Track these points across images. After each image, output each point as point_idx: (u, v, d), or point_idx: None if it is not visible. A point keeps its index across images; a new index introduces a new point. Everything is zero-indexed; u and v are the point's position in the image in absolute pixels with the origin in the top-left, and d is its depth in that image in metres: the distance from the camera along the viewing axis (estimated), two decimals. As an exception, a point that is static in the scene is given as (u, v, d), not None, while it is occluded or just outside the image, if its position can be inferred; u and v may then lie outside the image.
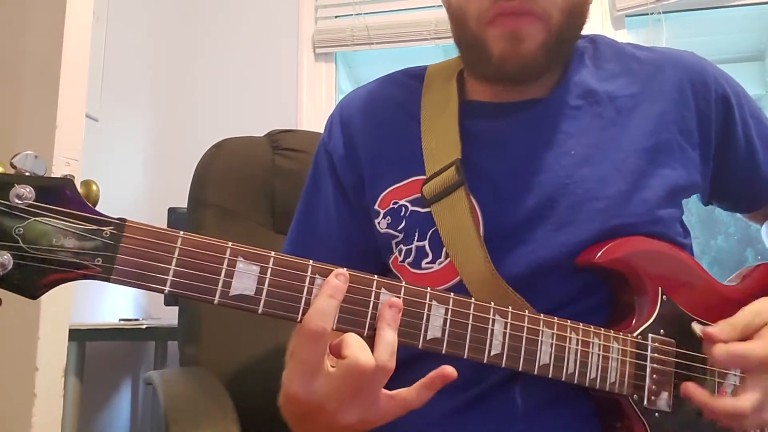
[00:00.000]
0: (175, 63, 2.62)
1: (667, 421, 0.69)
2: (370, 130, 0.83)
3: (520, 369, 0.64)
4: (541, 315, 0.66)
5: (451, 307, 0.62)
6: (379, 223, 0.79)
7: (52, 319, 1.15)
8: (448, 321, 0.61)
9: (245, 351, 1.10)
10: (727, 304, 0.74)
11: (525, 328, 0.65)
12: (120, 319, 2.14)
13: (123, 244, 0.51)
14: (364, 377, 0.55)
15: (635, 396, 0.69)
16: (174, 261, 0.52)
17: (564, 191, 0.74)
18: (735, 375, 0.73)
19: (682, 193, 0.79)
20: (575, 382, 0.66)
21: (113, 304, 2.23)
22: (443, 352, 0.61)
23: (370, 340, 0.57)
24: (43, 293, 0.49)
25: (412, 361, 0.70)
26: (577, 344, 0.67)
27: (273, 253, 0.56)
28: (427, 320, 0.60)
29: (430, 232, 0.75)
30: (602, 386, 0.67)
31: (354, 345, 0.56)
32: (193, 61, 2.63)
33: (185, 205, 1.21)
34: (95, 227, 0.51)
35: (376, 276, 0.59)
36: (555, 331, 0.66)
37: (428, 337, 0.60)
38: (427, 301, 0.61)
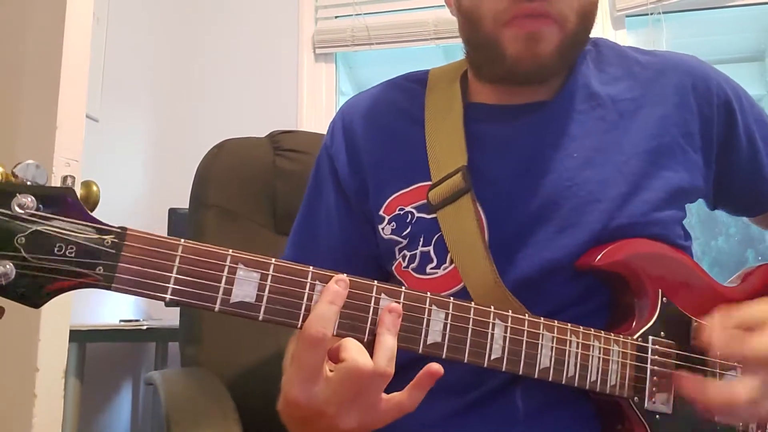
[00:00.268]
0: (175, 63, 2.62)
1: (668, 423, 0.70)
2: (372, 135, 0.83)
3: (521, 372, 0.64)
4: (541, 318, 0.66)
5: (451, 311, 0.62)
6: (383, 228, 0.79)
7: (53, 320, 1.15)
8: (448, 325, 0.61)
9: (246, 352, 1.10)
10: (728, 305, 0.74)
11: (525, 332, 0.65)
12: (120, 320, 2.13)
13: (124, 252, 0.51)
14: (362, 380, 0.55)
15: (636, 398, 0.69)
16: (175, 269, 0.53)
17: (566, 194, 0.74)
18: (734, 376, 0.73)
19: (683, 195, 0.79)
20: (575, 385, 0.67)
21: (114, 305, 2.23)
22: (443, 356, 0.61)
23: (371, 346, 0.57)
24: (46, 302, 0.49)
25: (411, 365, 0.70)
26: (577, 347, 0.67)
27: (273, 260, 0.56)
28: (427, 325, 0.61)
29: (435, 237, 0.76)
30: (603, 389, 0.67)
31: (352, 348, 0.56)
32: (194, 62, 2.63)
33: (186, 206, 1.21)
34: (97, 236, 0.51)
35: (376, 281, 0.59)
36: (555, 335, 0.66)
37: (428, 342, 0.61)
38: (427, 305, 0.61)
